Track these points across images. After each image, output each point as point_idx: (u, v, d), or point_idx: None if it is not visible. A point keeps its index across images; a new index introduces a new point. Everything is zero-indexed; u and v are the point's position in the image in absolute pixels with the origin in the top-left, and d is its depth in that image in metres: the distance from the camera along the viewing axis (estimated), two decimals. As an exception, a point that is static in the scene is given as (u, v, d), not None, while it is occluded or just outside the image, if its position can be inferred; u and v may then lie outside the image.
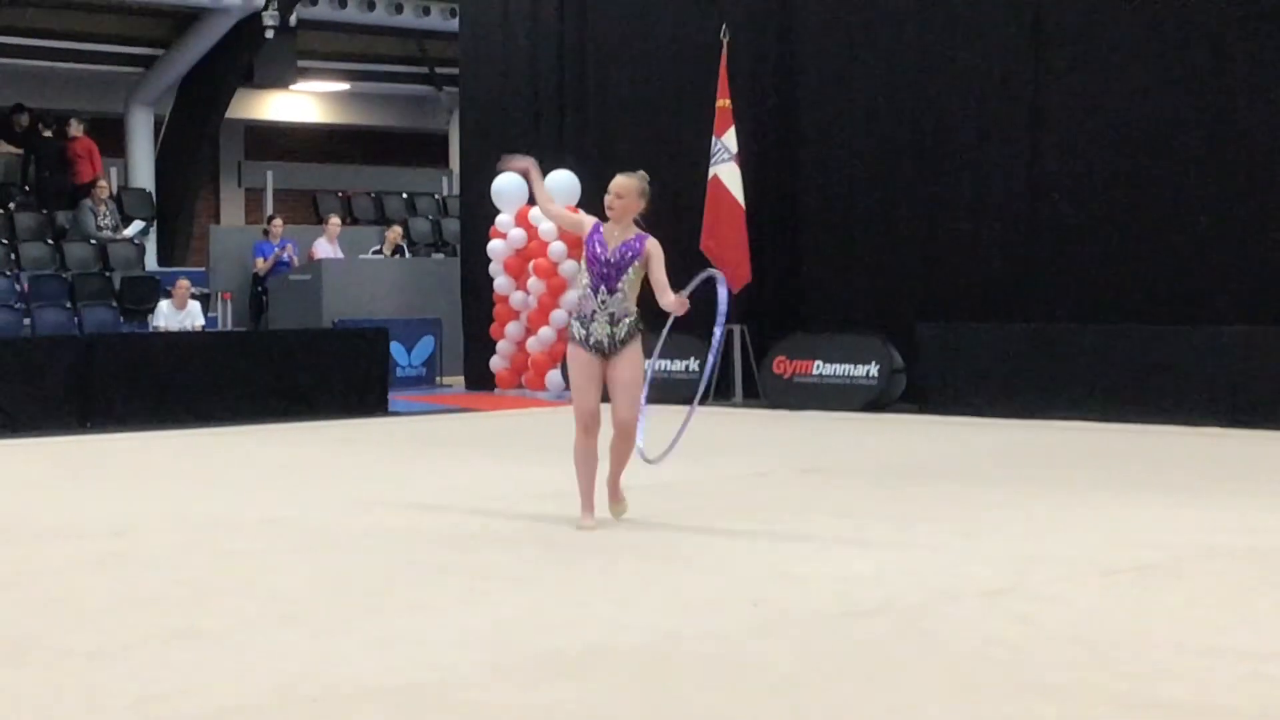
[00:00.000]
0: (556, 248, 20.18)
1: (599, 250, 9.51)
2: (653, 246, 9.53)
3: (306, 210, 29.39)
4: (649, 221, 9.70)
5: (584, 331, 9.55)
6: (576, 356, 9.62)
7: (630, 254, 9.49)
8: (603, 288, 9.48)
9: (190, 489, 12.07)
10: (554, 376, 20.18)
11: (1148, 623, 6.96)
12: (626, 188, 9.57)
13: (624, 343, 9.50)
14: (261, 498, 11.49)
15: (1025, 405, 16.49)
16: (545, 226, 20.18)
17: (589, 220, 9.77)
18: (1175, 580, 7.97)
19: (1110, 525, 9.67)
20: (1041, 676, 6.02)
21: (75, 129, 25.47)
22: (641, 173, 9.73)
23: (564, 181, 20.06)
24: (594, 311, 9.50)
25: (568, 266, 20.20)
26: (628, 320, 9.51)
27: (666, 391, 16.91)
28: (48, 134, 25.44)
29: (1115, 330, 16.47)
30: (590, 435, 9.58)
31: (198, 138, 27.62)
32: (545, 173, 19.83)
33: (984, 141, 17.89)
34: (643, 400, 9.69)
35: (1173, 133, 16.58)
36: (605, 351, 9.51)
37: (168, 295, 21.32)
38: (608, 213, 9.59)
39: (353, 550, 9.07)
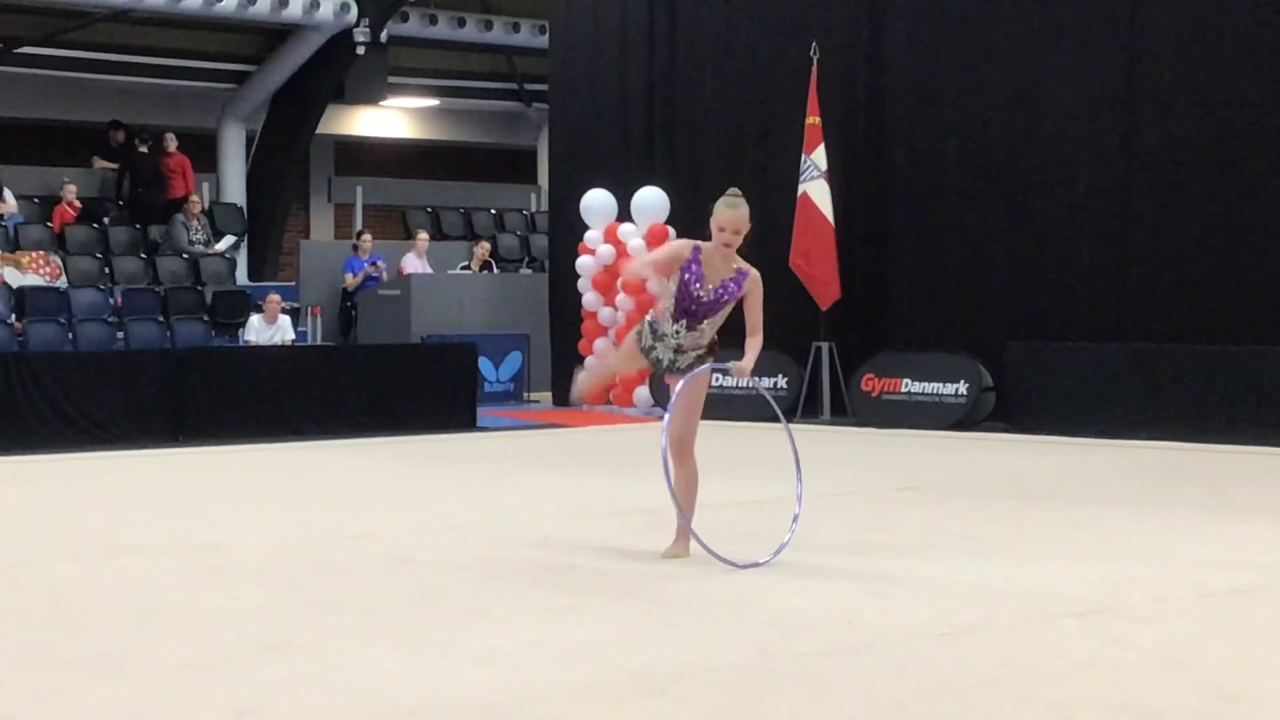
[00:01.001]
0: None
1: (694, 284, 8.79)
2: (752, 284, 8.80)
3: (395, 226, 29.54)
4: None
5: (649, 343, 8.97)
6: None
7: (726, 296, 8.80)
8: (684, 321, 8.85)
9: (281, 503, 12.15)
10: (642, 393, 20.20)
11: (1246, 645, 6.90)
12: (742, 220, 8.76)
13: (685, 370, 8.90)
14: (352, 513, 11.55)
15: (1116, 425, 16.37)
16: (634, 243, 20.22)
17: (685, 245, 8.96)
18: (1273, 602, 7.90)
19: (1205, 546, 9.59)
20: (1139, 698, 5.97)
21: (170, 144, 25.75)
22: (735, 190, 8.90)
23: (653, 199, 20.12)
24: (665, 335, 8.90)
25: (656, 283, 20.21)
26: (695, 354, 8.89)
27: (753, 409, 16.94)
28: (143, 149, 25.70)
29: (1207, 350, 16.34)
30: (671, 454, 8.89)
31: (289, 153, 27.83)
32: (633, 190, 20.13)
33: (1076, 159, 17.79)
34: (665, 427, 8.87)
35: (1269, 151, 16.44)
36: (663, 369, 9.00)
37: (258, 310, 21.46)
38: (724, 250, 8.75)
39: (444, 566, 9.10)
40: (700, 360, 8.89)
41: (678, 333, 8.84)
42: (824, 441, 16.79)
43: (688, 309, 8.81)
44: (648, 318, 9.09)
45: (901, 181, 19.22)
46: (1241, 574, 8.66)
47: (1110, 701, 5.95)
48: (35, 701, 6.05)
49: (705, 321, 8.83)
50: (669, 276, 8.89)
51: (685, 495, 9.01)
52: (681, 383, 8.83)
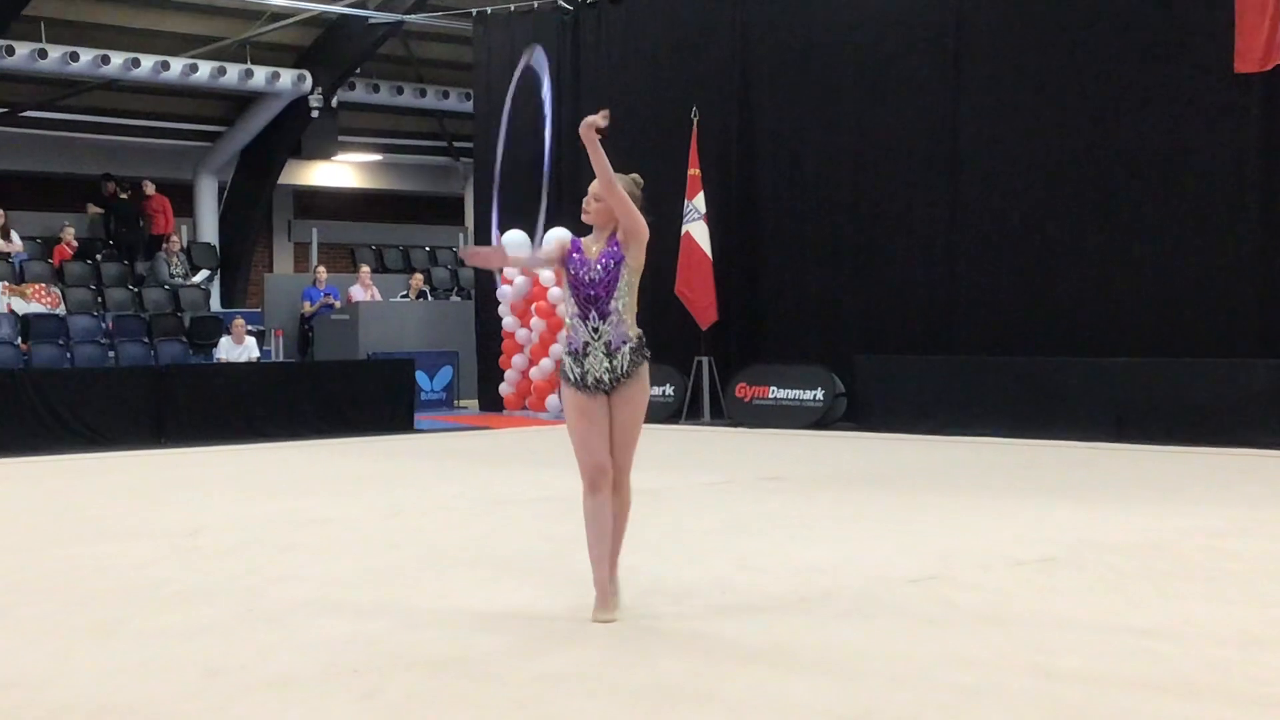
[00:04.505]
0: (555, 292, 20.18)
1: (580, 270, 6.72)
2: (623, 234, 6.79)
3: (345, 261, 29.39)
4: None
5: (579, 370, 6.68)
6: (573, 400, 6.72)
7: (614, 260, 6.70)
8: (593, 313, 6.67)
9: (250, 495, 12.05)
10: (553, 400, 20.18)
11: (1051, 606, 6.97)
12: (604, 186, 6.73)
13: (628, 375, 6.68)
14: (311, 502, 11.47)
15: (945, 424, 16.53)
16: (545, 274, 20.19)
17: (565, 237, 7.07)
18: (1073, 570, 7.98)
19: (1018, 524, 9.68)
20: (963, 649, 6.05)
21: (149, 189, 25.52)
22: (635, 176, 6.97)
23: (561, 237, 20.06)
24: (586, 343, 6.69)
25: (562, 303, 20.21)
26: (627, 347, 6.69)
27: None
28: (123, 196, 25.39)
29: (1021, 361, 16.52)
30: (600, 490, 6.67)
31: (254, 201, 27.63)
32: (544, 230, 20.08)
33: (910, 205, 17.92)
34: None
35: (1075, 190, 16.57)
36: (607, 389, 6.68)
37: (229, 333, 21.29)
38: (584, 218, 6.85)
39: (390, 545, 9.06)
40: (638, 355, 6.72)
41: (597, 332, 6.67)
42: (704, 439, 16.84)
43: (588, 296, 6.68)
44: (563, 351, 6.84)
45: (768, 222, 19.30)
46: (1048, 547, 8.73)
47: (941, 652, 6.02)
48: (42, 662, 6.00)
49: (612, 299, 6.67)
50: (557, 268, 6.72)
51: (618, 529, 6.85)
52: (626, 409, 6.73)
